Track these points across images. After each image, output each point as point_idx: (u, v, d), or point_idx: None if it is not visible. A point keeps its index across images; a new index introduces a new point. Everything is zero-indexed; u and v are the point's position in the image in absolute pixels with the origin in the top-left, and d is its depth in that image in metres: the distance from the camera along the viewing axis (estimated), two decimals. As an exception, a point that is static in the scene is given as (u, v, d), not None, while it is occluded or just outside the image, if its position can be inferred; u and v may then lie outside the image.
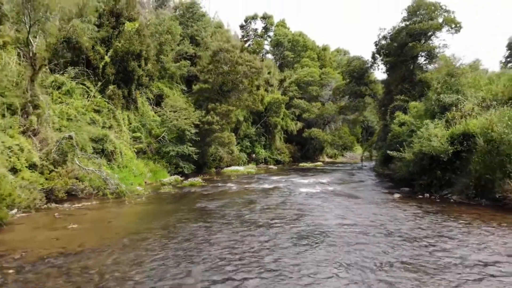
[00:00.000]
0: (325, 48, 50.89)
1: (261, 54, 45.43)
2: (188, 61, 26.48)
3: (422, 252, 6.30)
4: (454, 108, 14.33)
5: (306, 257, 6.06)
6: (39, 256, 6.11)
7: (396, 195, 12.97)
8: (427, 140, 13.04)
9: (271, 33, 46.44)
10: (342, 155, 45.71)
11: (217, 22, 34.71)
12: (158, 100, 23.40)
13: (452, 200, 11.71)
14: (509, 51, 45.92)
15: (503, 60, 46.86)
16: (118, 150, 15.85)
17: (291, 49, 43.65)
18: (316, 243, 6.95)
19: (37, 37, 13.17)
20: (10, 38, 14.48)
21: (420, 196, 12.61)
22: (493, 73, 17.32)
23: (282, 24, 47.25)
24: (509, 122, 10.99)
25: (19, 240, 7.22)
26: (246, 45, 43.54)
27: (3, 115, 12.25)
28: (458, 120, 13.53)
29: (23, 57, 14.29)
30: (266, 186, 16.43)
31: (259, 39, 44.88)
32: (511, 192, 10.00)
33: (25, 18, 12.43)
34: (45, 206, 10.70)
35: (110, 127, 16.62)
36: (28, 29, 12.47)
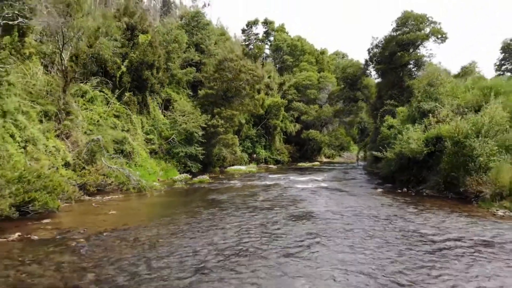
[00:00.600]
0: (323, 52, 52.99)
1: (262, 58, 47.56)
2: (194, 68, 28.59)
3: (377, 224, 8.49)
4: (431, 114, 16.45)
5: (296, 228, 8.22)
6: (98, 231, 8.22)
7: (379, 190, 15.10)
8: (406, 143, 15.16)
9: (271, 38, 48.59)
10: (339, 155, 47.84)
11: (220, 29, 36.80)
12: (166, 104, 25.49)
13: (425, 193, 13.84)
14: (503, 54, 47.99)
15: (497, 63, 48.97)
16: (135, 151, 17.98)
17: (290, 53, 45.75)
18: (304, 220, 9.09)
19: (68, 52, 15.26)
20: (34, 49, 16.53)
21: (399, 191, 14.74)
22: (471, 80, 19.31)
23: (281, 29, 49.35)
24: (473, 128, 13.14)
25: (75, 222, 9.33)
26: (248, 48, 45.69)
27: (41, 121, 14.36)
28: (434, 125, 15.64)
29: (51, 68, 16.43)
30: (267, 182, 18.57)
31: (260, 43, 47.00)
32: (471, 187, 12.09)
33: (59, 37, 14.52)
34: (81, 198, 12.80)
35: (128, 130, 18.73)
36: (61, 47, 14.57)
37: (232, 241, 7.32)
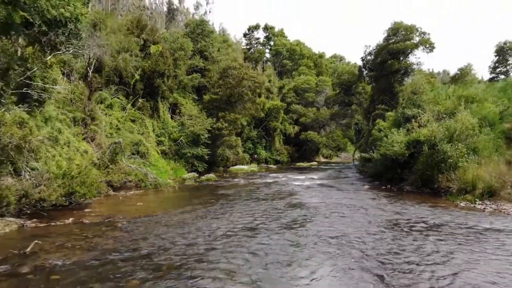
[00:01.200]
0: (321, 55, 55.25)
1: (262, 61, 49.81)
2: (199, 74, 30.77)
3: (354, 210, 10.69)
4: (414, 120, 18.59)
5: (291, 213, 10.40)
6: (133, 217, 10.37)
7: (366, 187, 17.28)
8: (391, 145, 17.32)
9: (271, 42, 50.83)
10: (337, 156, 50.03)
11: (222, 35, 38.94)
12: (173, 108, 27.66)
13: (405, 190, 16.00)
14: (497, 56, 50.09)
15: (492, 66, 51.09)
16: (149, 152, 20.14)
17: (290, 57, 47.98)
18: (298, 208, 11.27)
19: (92, 66, 17.42)
20: (55, 58, 18.62)
21: (383, 187, 16.91)
22: (452, 89, 21.42)
23: (281, 33, 51.60)
24: (446, 132, 15.32)
25: (111, 210, 11.48)
26: (249, 52, 47.89)
27: (68, 126, 16.52)
28: (416, 129, 17.79)
29: (71, 76, 18.55)
30: (267, 180, 20.73)
31: (261, 47, 49.23)
32: (442, 183, 14.25)
33: (86, 52, 16.65)
34: (108, 193, 14.95)
35: (142, 134, 20.89)
36: (88, 62, 16.71)
37: (244, 221, 9.50)
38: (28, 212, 10.53)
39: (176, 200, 13.98)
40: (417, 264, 6.29)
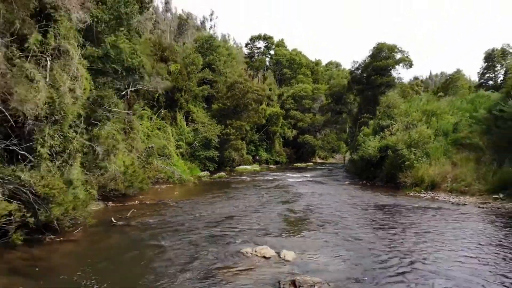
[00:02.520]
0: (317, 63, 60.21)
1: (263, 69, 54.74)
2: (208, 85, 35.65)
3: (331, 196, 15.59)
4: (386, 129, 23.53)
5: (287, 196, 15.34)
6: (177, 200, 15.29)
7: (347, 182, 22.24)
8: (367, 149, 22.26)
9: (271, 52, 55.75)
10: (332, 157, 54.96)
11: (227, 48, 43.84)
12: (186, 116, 32.54)
13: (376, 184, 20.93)
14: (486, 63, 54.74)
15: (480, 72, 55.77)
16: (172, 154, 25.04)
17: (289, 66, 52.89)
18: (291, 194, 16.21)
19: (130, 87, 22.30)
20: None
21: (360, 183, 21.86)
22: (422, 103, 26.37)
23: (281, 43, 56.54)
24: (408, 140, 20.24)
25: (159, 197, 16.37)
26: (251, 61, 52.80)
27: (113, 134, 21.39)
28: (387, 137, 22.72)
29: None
30: (268, 177, 25.66)
31: (262, 56, 54.16)
32: (401, 180, 19.14)
33: (126, 77, 21.50)
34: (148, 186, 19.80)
35: (166, 139, 25.80)
36: (126, 85, 21.58)
37: (253, 201, 14.45)
38: (100, 198, 15.42)
39: (201, 190, 18.93)
40: (366, 219, 11.23)
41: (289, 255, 7.47)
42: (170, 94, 27.49)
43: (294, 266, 6.98)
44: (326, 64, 68.55)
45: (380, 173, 21.59)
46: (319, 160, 51.64)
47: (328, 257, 7.56)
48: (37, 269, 7.17)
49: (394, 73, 32.82)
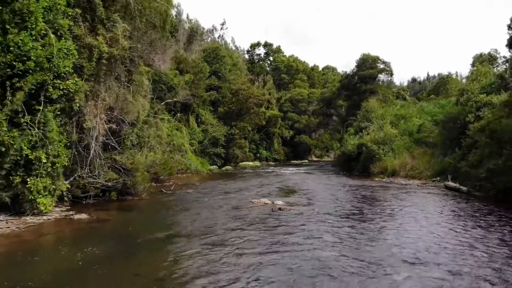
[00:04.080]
0: (313, 68, 66.17)
1: (263, 74, 60.66)
2: (215, 91, 41.56)
3: (316, 182, 21.51)
4: (364, 129, 29.43)
5: (283, 181, 21.26)
6: (200, 183, 21.20)
7: (331, 173, 28.17)
8: (347, 146, 28.17)
9: (271, 58, 61.70)
10: (327, 155, 60.90)
11: (231, 57, 49.77)
12: (196, 118, 38.40)
13: (354, 174, 26.82)
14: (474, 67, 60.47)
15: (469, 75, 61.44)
16: (187, 151, 30.91)
17: (287, 72, 58.83)
18: (286, 180, 22.12)
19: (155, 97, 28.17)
20: None
21: (341, 174, 27.77)
22: (398, 108, 32.31)
23: (278, 50, 62.46)
24: (378, 139, 26.17)
25: (183, 181, 22.26)
26: (252, 66, 58.69)
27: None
28: (364, 136, 28.61)
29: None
30: (268, 170, 31.56)
31: (262, 63, 60.09)
32: (371, 170, 25.02)
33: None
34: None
35: (182, 138, 31.68)
36: (154, 96, 27.43)
37: (256, 184, 20.37)
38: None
39: (215, 177, 24.83)
40: (335, 191, 17.16)
41: (278, 202, 13.38)
42: (182, 100, 33.37)
43: (283, 209, 12.88)
44: (323, 69, 74.53)
45: (357, 165, 27.52)
46: (314, 158, 57.56)
47: (303, 204, 13.46)
48: (127, 210, 13.08)
49: (383, 77, 38.72)
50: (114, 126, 13.39)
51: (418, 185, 19.67)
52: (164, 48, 20.08)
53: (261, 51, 62.33)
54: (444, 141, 23.97)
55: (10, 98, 9.43)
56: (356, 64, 38.64)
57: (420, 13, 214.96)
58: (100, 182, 13.12)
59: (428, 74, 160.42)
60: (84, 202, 13.23)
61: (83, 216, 11.22)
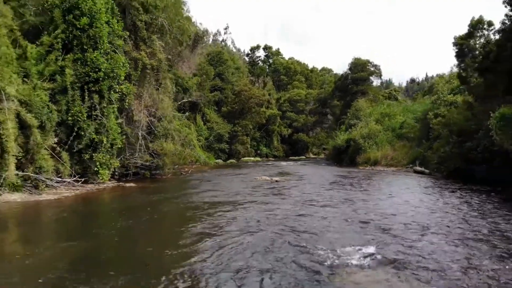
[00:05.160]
0: (312, 70, 70.47)
1: (263, 76, 64.94)
2: (218, 92, 45.86)
3: (310, 171, 25.81)
4: (353, 126, 33.70)
5: (279, 169, 25.57)
6: (211, 170, 25.49)
7: (323, 165, 32.47)
8: (337, 141, 32.46)
9: (270, 60, 66.03)
10: (324, 153, 65.09)
11: (233, 62, 54.08)
12: (202, 117, 42.68)
13: (343, 165, 31.09)
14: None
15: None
16: (196, 146, 35.18)
17: (286, 74, 63.10)
18: (283, 168, 26.43)
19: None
20: None
21: (333, 165, 32.05)
22: (384, 107, 36.58)
23: (277, 52, 66.81)
24: (364, 134, 30.47)
25: (197, 170, 26.53)
26: (252, 69, 62.97)
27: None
28: (352, 132, 32.88)
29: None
30: (268, 163, 35.86)
31: (262, 65, 64.41)
32: (357, 160, 29.30)
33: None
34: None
35: (191, 134, 35.93)
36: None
37: (259, 170, 24.66)
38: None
39: (222, 168, 29.13)
40: (325, 176, 21.45)
41: (277, 178, 17.68)
42: (195, 100, 37.70)
43: (280, 183, 17.19)
44: (321, 70, 78.85)
45: (345, 157, 31.81)
46: (312, 156, 61.75)
47: (296, 179, 17.70)
48: (162, 183, 17.36)
49: (376, 80, 43.01)
50: (152, 119, 17.64)
51: (393, 171, 23.98)
52: (188, 57, 24.34)
53: (261, 53, 66.74)
54: (420, 135, 28.33)
55: (87, 97, 13.72)
56: (348, 67, 43.00)
57: (420, 13, 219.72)
58: (139, 162, 17.38)
59: (426, 75, 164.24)
60: (125, 179, 17.48)
61: (132, 184, 15.50)
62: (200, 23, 58.86)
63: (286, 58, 67.65)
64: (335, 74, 74.79)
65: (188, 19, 20.03)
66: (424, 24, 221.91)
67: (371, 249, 6.05)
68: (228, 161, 37.00)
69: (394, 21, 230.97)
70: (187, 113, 37.31)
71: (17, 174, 11.74)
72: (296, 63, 66.18)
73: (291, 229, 7.55)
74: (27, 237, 7.63)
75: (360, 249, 6.04)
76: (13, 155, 11.11)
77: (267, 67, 65.66)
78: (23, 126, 11.83)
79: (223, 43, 62.32)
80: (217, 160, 37.46)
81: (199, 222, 8.43)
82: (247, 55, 66.11)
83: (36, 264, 5.59)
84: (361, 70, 42.37)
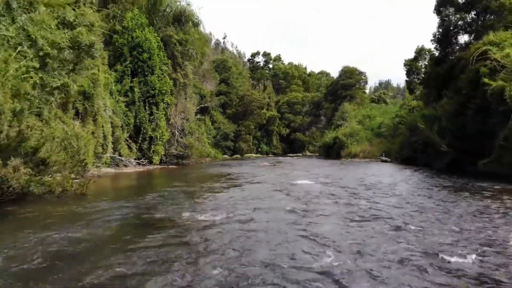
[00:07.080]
0: (309, 74, 78.02)
1: (263, 80, 72.50)
2: (224, 96, 53.34)
3: (304, 163, 33.34)
4: (340, 126, 41.19)
5: (278, 160, 33.09)
6: (222, 162, 33.01)
7: (313, 158, 40.02)
8: (325, 139, 39.98)
9: (270, 65, 73.60)
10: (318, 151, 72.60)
11: (236, 67, 61.61)
12: (209, 118, 50.15)
13: (331, 158, 38.59)
14: None
15: None
16: (206, 143, 42.67)
17: (284, 78, 70.64)
18: (281, 162, 33.95)
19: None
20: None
21: (321, 158, 39.57)
22: (366, 109, 44.04)
23: (277, 58, 74.40)
24: (347, 133, 38.02)
25: (209, 162, 34.03)
26: (253, 74, 70.50)
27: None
28: (338, 131, 40.37)
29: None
30: (268, 158, 43.37)
31: (262, 70, 71.96)
32: (341, 154, 36.79)
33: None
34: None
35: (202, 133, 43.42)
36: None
37: (259, 164, 32.16)
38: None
39: (231, 160, 36.60)
40: (313, 164, 28.99)
41: (275, 164, 25.22)
42: (210, 105, 45.21)
43: (276, 165, 24.68)
44: (318, 73, 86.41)
45: (332, 152, 39.34)
46: (308, 153, 69.26)
47: (290, 165, 25.17)
48: (192, 167, 24.90)
49: (371, 84, 50.51)
50: (184, 121, 25.11)
51: (366, 161, 31.52)
52: (206, 72, 31.90)
53: (260, 59, 74.32)
54: (392, 133, 35.90)
55: (147, 107, 21.24)
56: (338, 74, 50.45)
57: (420, 14, 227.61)
58: (175, 152, 24.87)
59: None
60: (166, 163, 24.94)
61: (173, 166, 23.02)
62: (210, 32, 66.53)
63: (286, 62, 75.28)
64: (332, 77, 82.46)
65: (205, 41, 27.50)
66: (424, 24, 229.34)
67: (314, 182, 13.55)
68: (234, 156, 44.52)
69: (395, 23, 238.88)
70: (198, 115, 44.86)
71: (109, 156, 19.23)
72: (294, 68, 73.75)
73: (282, 175, 15.05)
74: (129, 188, 15.12)
75: (317, 176, 13.54)
76: (111, 143, 18.62)
77: (267, 71, 73.22)
78: (111, 126, 19.32)
79: (224, 51, 69.87)
80: (223, 156, 44.96)
81: (229, 179, 15.90)
82: (248, 60, 73.63)
83: (138, 202, 13.09)
84: (349, 77, 49.83)
